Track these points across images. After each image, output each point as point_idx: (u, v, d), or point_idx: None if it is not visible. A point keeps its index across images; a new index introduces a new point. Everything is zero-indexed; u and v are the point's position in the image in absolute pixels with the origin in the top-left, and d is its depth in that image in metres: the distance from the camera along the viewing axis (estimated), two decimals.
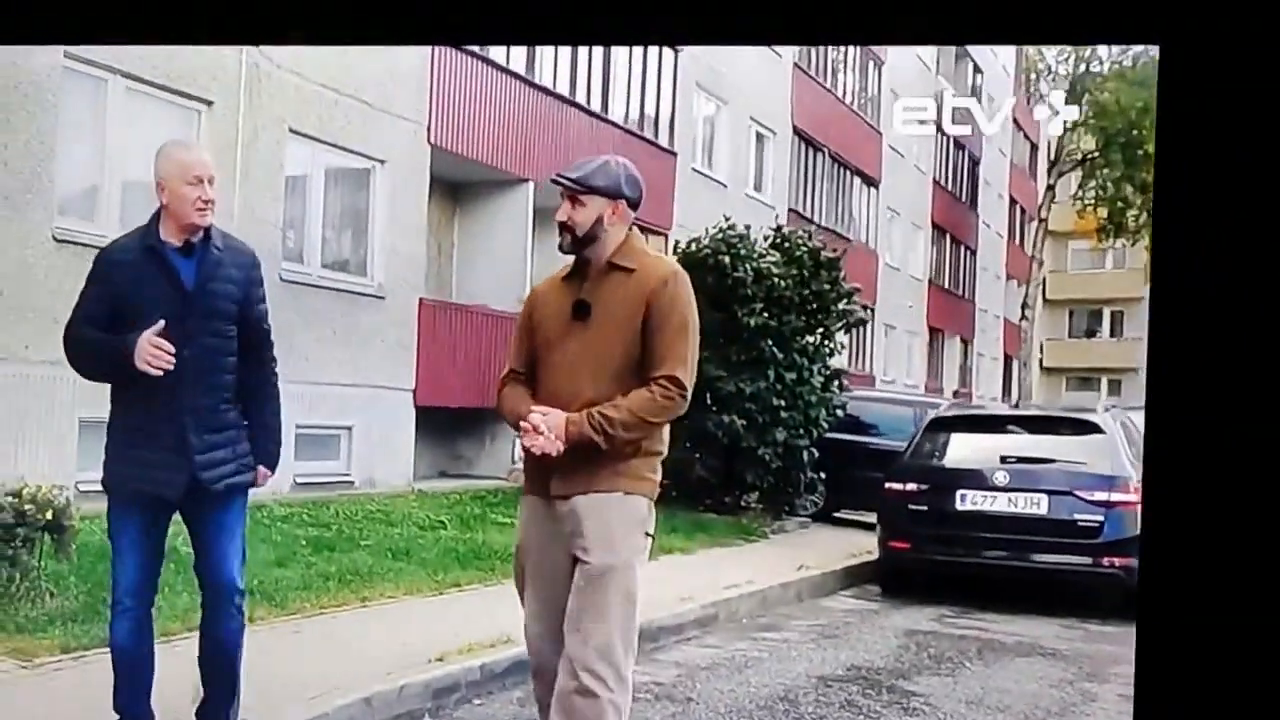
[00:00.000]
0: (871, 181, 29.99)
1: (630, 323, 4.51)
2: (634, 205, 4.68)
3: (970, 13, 2.80)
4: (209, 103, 12.21)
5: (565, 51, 17.62)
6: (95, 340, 4.85)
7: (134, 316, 4.80)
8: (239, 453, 5.03)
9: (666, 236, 19.65)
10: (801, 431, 14.84)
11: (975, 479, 11.21)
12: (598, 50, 18.33)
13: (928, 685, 7.88)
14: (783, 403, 14.68)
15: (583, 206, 4.56)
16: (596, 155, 4.86)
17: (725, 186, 22.75)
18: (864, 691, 7.56)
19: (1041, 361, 47.20)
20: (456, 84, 15.79)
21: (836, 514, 15.67)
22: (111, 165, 11.55)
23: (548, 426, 4.44)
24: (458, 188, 17.17)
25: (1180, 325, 2.53)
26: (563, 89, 17.89)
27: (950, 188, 36.62)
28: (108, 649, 5.02)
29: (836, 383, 15.58)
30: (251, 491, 5.10)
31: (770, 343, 14.67)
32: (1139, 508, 8.28)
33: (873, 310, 30.05)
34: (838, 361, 15.94)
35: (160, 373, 4.77)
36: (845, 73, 28.75)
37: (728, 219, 15.36)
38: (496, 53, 16.38)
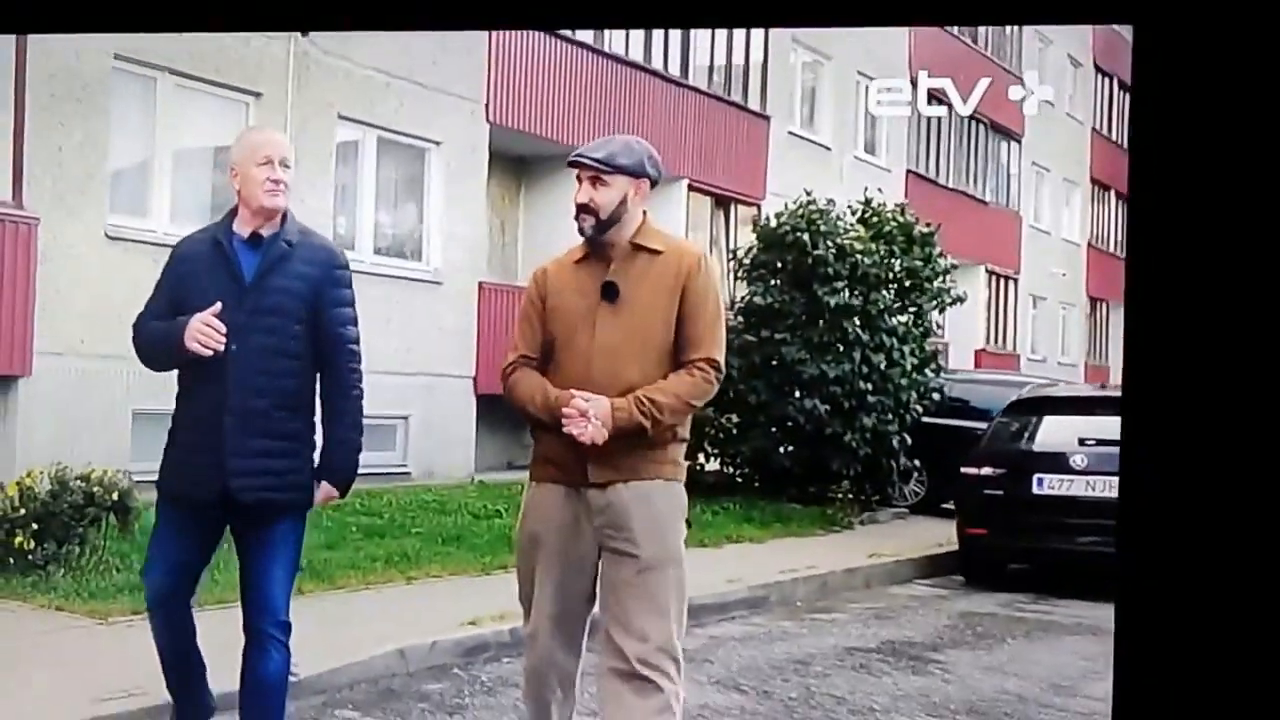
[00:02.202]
0: (1012, 136, 31.14)
1: (668, 305, 5.05)
2: (654, 184, 5.21)
3: None
4: (257, 94, 14.35)
5: None
6: (153, 328, 5.26)
7: (191, 310, 5.14)
8: (289, 468, 5.29)
9: (759, 208, 21.38)
10: (891, 417, 16.53)
11: (1053, 462, 12.77)
12: None
13: (954, 655, 9.58)
14: (870, 386, 16.33)
15: (606, 187, 5.07)
16: (613, 136, 5.34)
17: (829, 150, 24.36)
18: (884, 659, 9.31)
19: None
20: (518, 59, 17.70)
21: (943, 504, 16.57)
22: (162, 162, 13.75)
23: (595, 412, 4.90)
24: (521, 163, 19.16)
25: (1158, 310, 2.78)
26: (636, 55, 19.78)
27: (1115, 138, 37.41)
28: None
29: (932, 364, 17.30)
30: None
31: (856, 323, 16.33)
32: None
33: (1015, 280, 31.50)
34: (934, 341, 17.58)
35: (210, 353, 5.07)
36: None
37: (809, 193, 17.07)
38: None
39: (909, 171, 26.99)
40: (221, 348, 5.09)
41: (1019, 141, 31.44)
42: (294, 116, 14.62)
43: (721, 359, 5.13)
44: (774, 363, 16.38)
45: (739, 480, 16.81)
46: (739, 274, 17.47)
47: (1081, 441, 12.87)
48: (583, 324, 5.07)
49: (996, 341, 30.69)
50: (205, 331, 5.06)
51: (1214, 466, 2.72)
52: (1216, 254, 2.70)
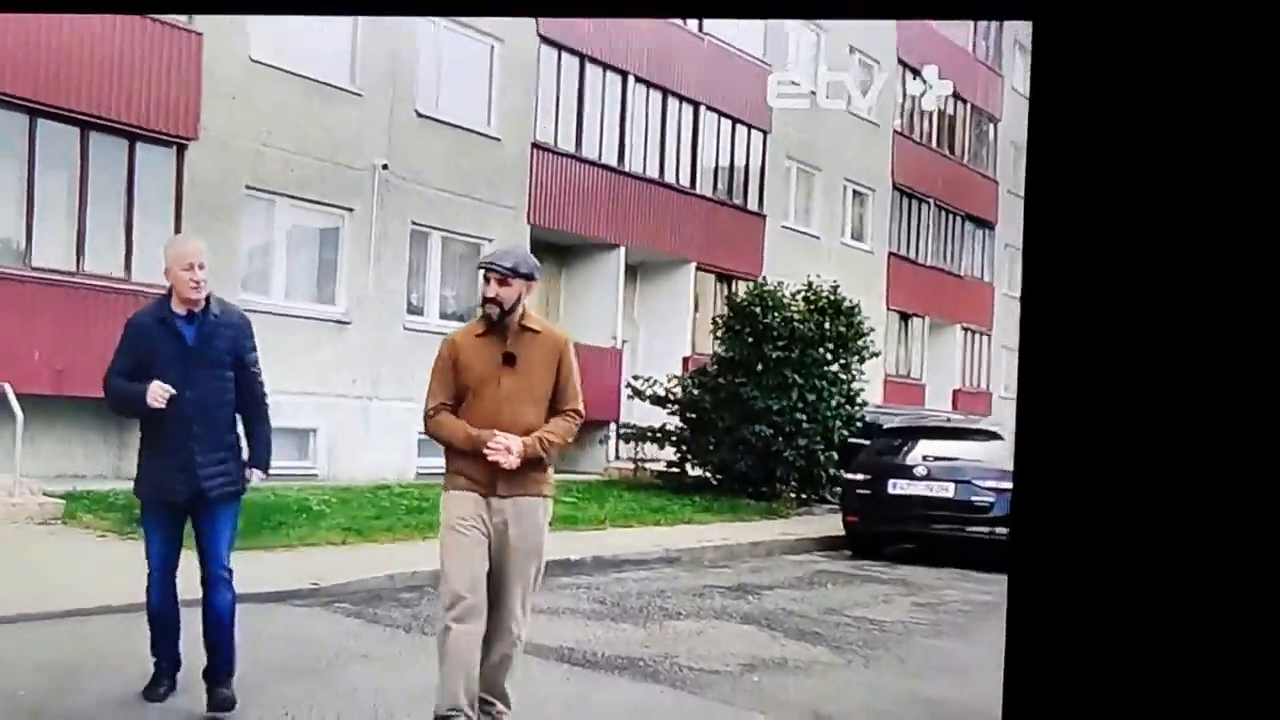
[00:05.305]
0: (986, 224, 32.82)
1: (548, 370, 6.01)
2: (534, 284, 6.09)
3: None
4: (350, 209, 17.16)
5: (654, 142, 22.29)
6: (122, 386, 6.29)
7: (149, 367, 6.22)
8: (234, 469, 6.37)
9: (754, 283, 23.81)
10: (819, 439, 19.12)
11: (903, 471, 15.27)
12: (685, 138, 22.90)
13: (776, 592, 11.54)
14: (804, 417, 18.93)
15: (508, 287, 5.93)
16: (513, 248, 6.58)
17: (818, 238, 26.38)
18: (723, 591, 11.38)
19: None
20: (551, 177, 20.35)
21: None
22: (278, 257, 16.64)
23: (514, 447, 5.82)
24: (561, 250, 21.68)
25: (1052, 311, 2.51)
26: (652, 173, 22.31)
27: None
28: None
29: (859, 401, 19.94)
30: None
31: (792, 370, 18.99)
32: None
33: (988, 335, 33.44)
34: (859, 385, 20.14)
35: (162, 405, 6.12)
36: (959, 132, 31.70)
37: (764, 279, 20.18)
38: (589, 151, 21.08)
39: (890, 253, 28.88)
40: (163, 405, 6.16)
41: (991, 229, 33.10)
42: (377, 226, 17.37)
43: (582, 407, 6.11)
44: (737, 398, 19.08)
45: (714, 483, 19.25)
46: (715, 334, 20.23)
47: (924, 457, 15.37)
48: (490, 380, 5.94)
49: (970, 383, 32.81)
50: (157, 394, 6.17)
51: (1101, 471, 2.53)
52: (1113, 250, 2.48)
